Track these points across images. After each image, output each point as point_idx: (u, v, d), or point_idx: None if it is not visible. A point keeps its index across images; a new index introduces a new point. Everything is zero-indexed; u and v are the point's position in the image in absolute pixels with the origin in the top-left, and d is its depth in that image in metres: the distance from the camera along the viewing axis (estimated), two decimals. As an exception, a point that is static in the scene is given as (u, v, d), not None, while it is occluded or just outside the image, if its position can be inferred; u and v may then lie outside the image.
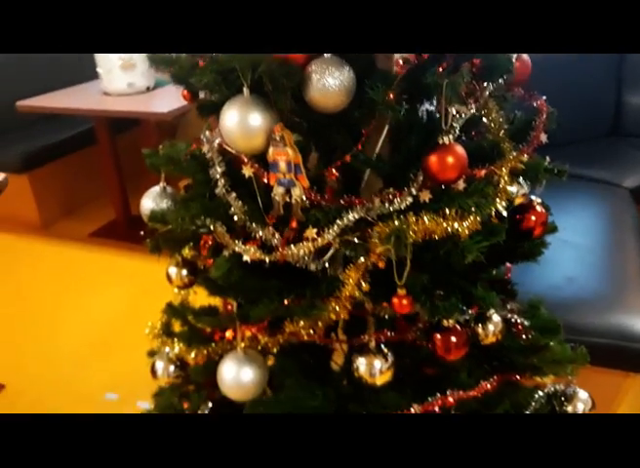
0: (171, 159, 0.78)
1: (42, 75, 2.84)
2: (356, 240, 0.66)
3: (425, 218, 0.65)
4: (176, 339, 0.96)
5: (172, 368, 0.99)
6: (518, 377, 0.86)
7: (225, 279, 0.76)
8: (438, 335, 0.72)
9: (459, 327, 0.73)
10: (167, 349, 0.99)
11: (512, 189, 0.74)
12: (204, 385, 0.99)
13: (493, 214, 0.75)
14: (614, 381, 1.40)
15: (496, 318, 0.86)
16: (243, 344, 0.80)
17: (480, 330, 0.85)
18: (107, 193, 2.78)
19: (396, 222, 0.63)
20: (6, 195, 2.93)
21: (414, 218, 0.65)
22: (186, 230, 0.82)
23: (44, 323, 2.22)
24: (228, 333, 0.85)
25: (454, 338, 0.72)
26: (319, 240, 0.66)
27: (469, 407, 0.85)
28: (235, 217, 0.71)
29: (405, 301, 0.66)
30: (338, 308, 0.70)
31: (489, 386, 0.83)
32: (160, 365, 0.99)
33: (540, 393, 0.99)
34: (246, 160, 0.68)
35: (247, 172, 0.68)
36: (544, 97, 0.83)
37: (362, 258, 0.66)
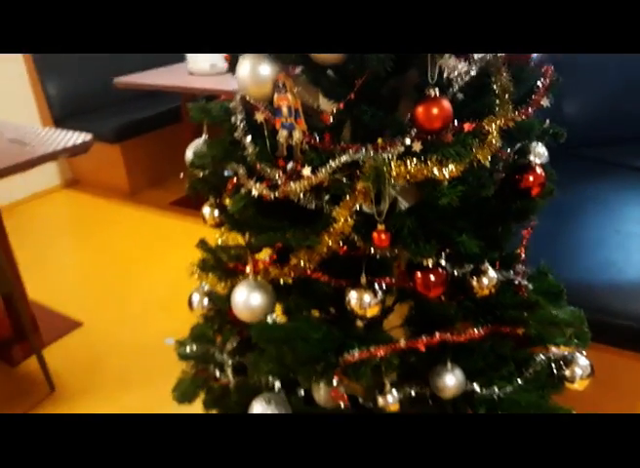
0: (205, 110, 0.90)
1: (138, 57, 3.14)
2: (344, 179, 0.75)
3: (408, 162, 0.73)
4: (210, 274, 1.09)
5: (205, 300, 1.13)
6: (508, 330, 0.90)
7: (241, 214, 0.87)
8: (419, 273, 0.79)
9: (440, 269, 0.79)
10: (202, 284, 1.13)
11: (498, 144, 0.78)
12: (232, 318, 1.12)
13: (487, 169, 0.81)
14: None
15: (492, 273, 0.92)
16: (254, 273, 0.91)
17: (475, 282, 0.91)
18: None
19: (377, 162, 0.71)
20: (101, 164, 3.29)
21: (397, 162, 0.73)
22: (216, 174, 0.95)
23: (123, 273, 2.49)
24: (247, 268, 0.97)
25: (432, 277, 0.79)
26: (313, 178, 0.76)
27: (460, 352, 0.92)
28: (248, 158, 0.82)
29: (383, 236, 0.74)
30: (330, 242, 0.79)
31: (476, 333, 0.88)
32: (196, 297, 1.14)
33: (542, 356, 1.03)
34: (259, 107, 0.80)
35: (259, 117, 0.79)
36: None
37: (348, 197, 0.75)
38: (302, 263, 0.85)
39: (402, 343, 0.86)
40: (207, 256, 1.10)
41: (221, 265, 1.03)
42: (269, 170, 0.81)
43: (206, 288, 1.13)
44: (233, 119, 0.84)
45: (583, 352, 1.08)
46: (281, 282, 0.93)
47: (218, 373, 1.12)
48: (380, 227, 0.74)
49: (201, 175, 0.99)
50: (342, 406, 0.88)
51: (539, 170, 0.87)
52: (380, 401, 0.93)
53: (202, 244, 1.06)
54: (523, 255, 1.06)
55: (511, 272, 1.00)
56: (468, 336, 0.89)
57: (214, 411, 1.08)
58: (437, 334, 0.87)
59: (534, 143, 1.05)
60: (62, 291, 2.38)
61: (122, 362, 1.92)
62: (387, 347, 0.85)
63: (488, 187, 0.80)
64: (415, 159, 0.73)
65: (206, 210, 1.02)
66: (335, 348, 0.88)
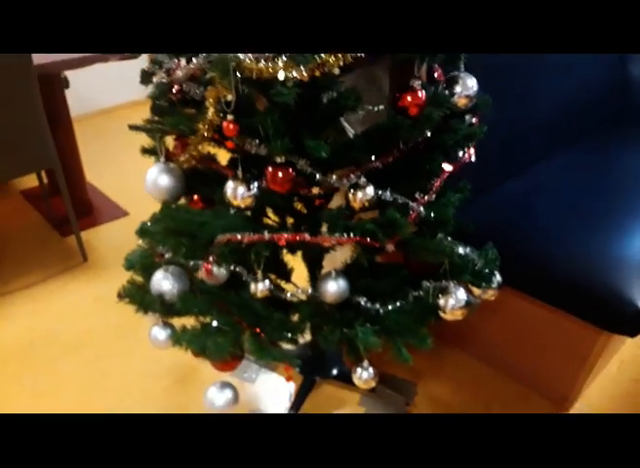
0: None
1: None
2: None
3: (255, 62, 0.79)
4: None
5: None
6: (369, 241, 0.94)
7: (157, 100, 1.00)
8: (269, 168, 0.86)
9: (290, 168, 0.86)
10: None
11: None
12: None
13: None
14: None
15: (369, 190, 0.96)
16: (164, 158, 1.03)
17: (351, 195, 0.96)
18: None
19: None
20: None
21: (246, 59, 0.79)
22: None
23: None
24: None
25: (280, 173, 0.86)
26: (188, 68, 0.85)
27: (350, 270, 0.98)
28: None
29: (231, 126, 0.82)
30: (202, 127, 0.88)
31: (344, 238, 0.94)
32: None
33: (427, 284, 1.05)
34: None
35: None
36: None
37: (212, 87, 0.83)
38: (194, 150, 0.95)
39: (266, 235, 0.95)
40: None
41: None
42: (167, 61, 0.91)
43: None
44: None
45: (482, 291, 1.09)
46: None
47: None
48: (230, 118, 0.82)
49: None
50: (208, 276, 0.99)
51: (420, 93, 0.88)
52: (252, 287, 1.03)
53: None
54: (435, 186, 1.07)
55: (408, 199, 1.02)
56: (336, 241, 0.94)
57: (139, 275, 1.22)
58: (299, 236, 0.94)
59: (462, 74, 1.04)
60: (119, 184, 2.69)
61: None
62: (254, 236, 0.95)
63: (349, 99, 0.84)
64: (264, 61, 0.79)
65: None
66: (213, 232, 0.98)
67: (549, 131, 1.71)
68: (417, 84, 0.89)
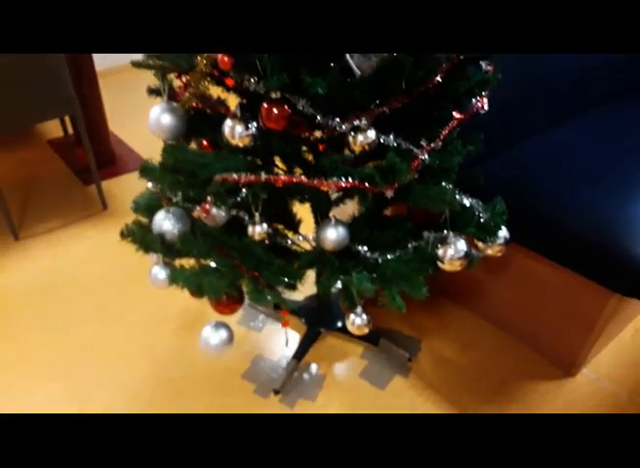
0: None
1: None
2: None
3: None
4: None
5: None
6: (367, 186, 0.92)
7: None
8: (265, 104, 0.84)
9: (284, 103, 0.84)
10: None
11: None
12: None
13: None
14: None
15: (370, 134, 0.93)
16: (167, 97, 1.02)
17: (351, 138, 0.93)
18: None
19: None
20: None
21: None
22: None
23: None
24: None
25: (275, 110, 0.84)
26: None
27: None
28: None
29: (226, 59, 0.80)
30: (201, 62, 0.87)
31: (341, 182, 0.92)
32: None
33: (427, 233, 1.03)
34: None
35: None
36: None
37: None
38: (194, 87, 0.94)
39: (263, 176, 0.93)
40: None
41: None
42: None
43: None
44: None
45: (483, 243, 1.06)
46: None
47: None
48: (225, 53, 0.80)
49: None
50: (205, 215, 1.00)
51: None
52: (250, 229, 1.03)
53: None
54: (443, 134, 1.03)
55: (412, 145, 0.99)
56: (332, 185, 0.93)
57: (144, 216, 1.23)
58: (296, 178, 0.93)
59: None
60: (142, 135, 2.71)
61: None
62: (250, 177, 0.94)
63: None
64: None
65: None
66: (212, 172, 0.98)
67: (577, 91, 1.63)
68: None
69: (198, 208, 1.04)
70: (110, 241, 1.98)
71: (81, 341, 1.55)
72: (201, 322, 1.61)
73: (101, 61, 2.40)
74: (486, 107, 1.10)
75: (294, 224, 1.27)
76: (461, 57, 1.03)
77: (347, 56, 0.97)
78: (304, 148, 1.10)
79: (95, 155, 2.11)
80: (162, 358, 1.49)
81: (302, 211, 1.26)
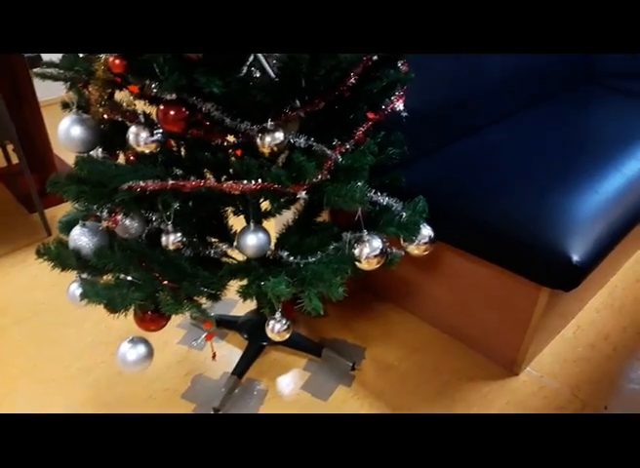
0: None
1: None
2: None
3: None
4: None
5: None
6: (277, 187, 0.91)
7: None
8: (161, 106, 0.83)
9: (181, 106, 0.83)
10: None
11: None
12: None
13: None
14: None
15: (278, 135, 0.92)
16: (76, 108, 1.01)
17: (259, 140, 0.93)
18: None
19: None
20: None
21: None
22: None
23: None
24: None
25: (172, 112, 0.82)
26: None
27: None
28: None
29: (117, 61, 0.79)
30: (98, 67, 0.85)
31: (250, 185, 0.91)
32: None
33: (346, 234, 1.02)
34: None
35: None
36: None
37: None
38: (95, 94, 0.92)
39: (169, 182, 0.92)
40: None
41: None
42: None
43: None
44: None
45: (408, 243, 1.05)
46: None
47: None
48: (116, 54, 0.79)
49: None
50: (114, 226, 0.97)
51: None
52: (163, 239, 1.00)
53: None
54: (357, 136, 1.04)
55: (325, 146, 0.99)
56: (241, 188, 0.91)
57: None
58: (204, 183, 0.91)
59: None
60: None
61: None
62: (156, 184, 0.92)
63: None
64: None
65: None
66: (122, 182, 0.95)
67: (509, 91, 1.67)
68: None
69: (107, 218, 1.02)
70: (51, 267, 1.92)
71: (14, 372, 1.49)
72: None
73: (47, 92, 2.38)
74: (401, 107, 1.11)
75: (228, 237, 1.25)
76: (374, 57, 1.04)
77: (261, 57, 0.97)
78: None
79: (40, 182, 2.06)
80: (100, 382, 1.44)
81: (240, 224, 1.24)
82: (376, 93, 1.07)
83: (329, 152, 0.98)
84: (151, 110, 0.95)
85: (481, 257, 1.24)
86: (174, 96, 0.83)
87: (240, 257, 1.14)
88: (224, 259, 1.20)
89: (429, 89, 1.45)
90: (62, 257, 1.06)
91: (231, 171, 1.10)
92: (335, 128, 1.05)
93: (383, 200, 1.01)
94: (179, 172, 1.03)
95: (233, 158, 1.08)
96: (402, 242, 1.09)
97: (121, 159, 1.12)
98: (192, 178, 0.92)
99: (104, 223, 1.01)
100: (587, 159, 1.37)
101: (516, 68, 1.63)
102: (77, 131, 1.01)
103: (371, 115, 1.06)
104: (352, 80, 1.01)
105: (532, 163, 1.36)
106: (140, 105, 1.01)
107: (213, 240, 1.22)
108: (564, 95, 1.80)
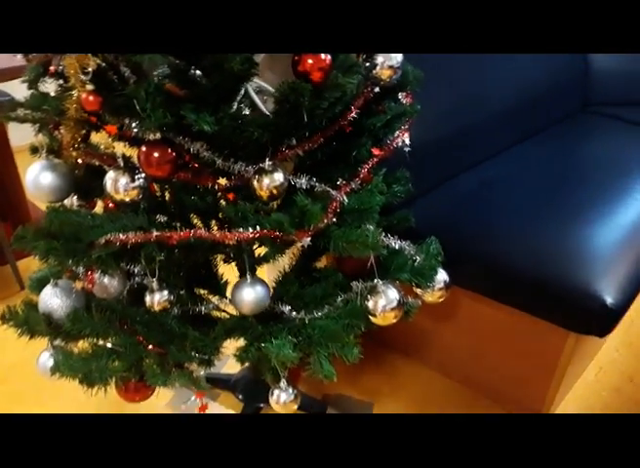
0: None
1: None
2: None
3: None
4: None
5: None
6: (279, 234, 0.79)
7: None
8: (143, 148, 0.72)
9: (167, 146, 0.72)
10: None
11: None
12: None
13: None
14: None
15: (277, 176, 0.82)
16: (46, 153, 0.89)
17: (256, 183, 0.82)
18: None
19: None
20: None
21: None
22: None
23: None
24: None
25: (156, 153, 0.71)
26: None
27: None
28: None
29: (91, 97, 0.68)
30: (70, 106, 0.74)
31: (248, 233, 0.79)
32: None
33: (356, 283, 0.91)
34: None
35: None
36: None
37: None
38: (67, 136, 0.81)
39: (154, 234, 0.80)
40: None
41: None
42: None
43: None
44: None
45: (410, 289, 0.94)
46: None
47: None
48: (89, 87, 0.68)
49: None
50: (90, 286, 0.84)
51: (323, 55, 0.75)
52: (147, 299, 0.88)
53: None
54: (362, 174, 0.94)
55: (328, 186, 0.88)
56: (237, 237, 0.80)
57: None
58: (194, 232, 0.79)
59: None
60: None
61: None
62: (138, 236, 0.80)
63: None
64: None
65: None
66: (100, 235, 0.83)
67: (508, 123, 1.60)
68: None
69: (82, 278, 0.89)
70: (24, 325, 1.76)
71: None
72: (127, 407, 1.40)
73: (21, 137, 2.29)
74: (407, 141, 1.02)
75: (219, 288, 1.13)
76: (376, 89, 0.96)
77: (251, 92, 0.87)
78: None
79: (13, 231, 1.92)
80: None
81: (231, 272, 1.12)
82: (379, 127, 0.98)
83: (333, 193, 0.87)
84: (132, 153, 0.84)
85: (500, 302, 1.13)
86: (158, 135, 0.72)
87: (233, 310, 1.01)
88: (216, 313, 1.07)
89: (428, 122, 1.37)
90: (31, 322, 0.92)
91: (221, 215, 0.99)
92: (337, 166, 0.95)
93: (395, 243, 0.90)
94: (163, 218, 0.92)
95: (223, 202, 0.98)
96: (415, 289, 0.98)
97: (100, 207, 1.01)
98: (179, 227, 0.81)
99: (79, 284, 0.88)
100: (599, 190, 1.29)
101: (519, 98, 1.56)
102: (47, 178, 0.89)
103: (376, 151, 0.97)
104: (353, 114, 0.92)
105: (542, 197, 1.28)
106: (120, 147, 0.90)
107: (202, 292, 1.10)
108: (562, 125, 1.74)
